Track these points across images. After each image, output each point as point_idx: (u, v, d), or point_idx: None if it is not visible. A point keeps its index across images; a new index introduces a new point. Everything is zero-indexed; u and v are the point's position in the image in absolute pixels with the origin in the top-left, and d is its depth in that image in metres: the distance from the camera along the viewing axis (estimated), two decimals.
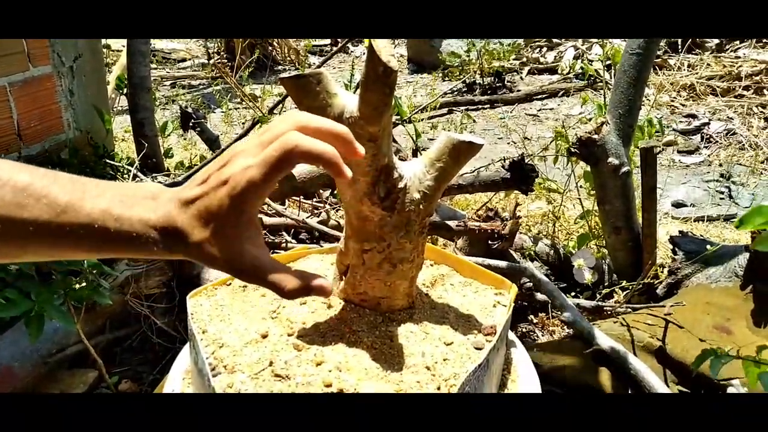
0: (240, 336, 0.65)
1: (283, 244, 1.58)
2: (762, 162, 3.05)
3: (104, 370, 1.25)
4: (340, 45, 2.45)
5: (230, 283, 0.78)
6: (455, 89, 4.41)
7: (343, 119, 0.57)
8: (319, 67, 2.03)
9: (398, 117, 2.07)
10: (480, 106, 4.13)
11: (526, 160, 1.44)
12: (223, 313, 0.71)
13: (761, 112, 3.57)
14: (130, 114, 2.13)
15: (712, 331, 1.25)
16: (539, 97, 4.25)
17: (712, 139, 3.35)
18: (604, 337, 1.23)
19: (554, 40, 5.18)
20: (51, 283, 1.06)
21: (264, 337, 0.65)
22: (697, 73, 4.10)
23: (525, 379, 0.74)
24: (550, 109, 4.05)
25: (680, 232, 1.58)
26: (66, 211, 0.43)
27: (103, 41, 3.28)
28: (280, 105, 2.17)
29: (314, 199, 1.86)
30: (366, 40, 0.66)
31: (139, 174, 1.84)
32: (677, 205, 2.65)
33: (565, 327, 1.57)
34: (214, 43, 5.33)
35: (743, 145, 3.25)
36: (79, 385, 1.29)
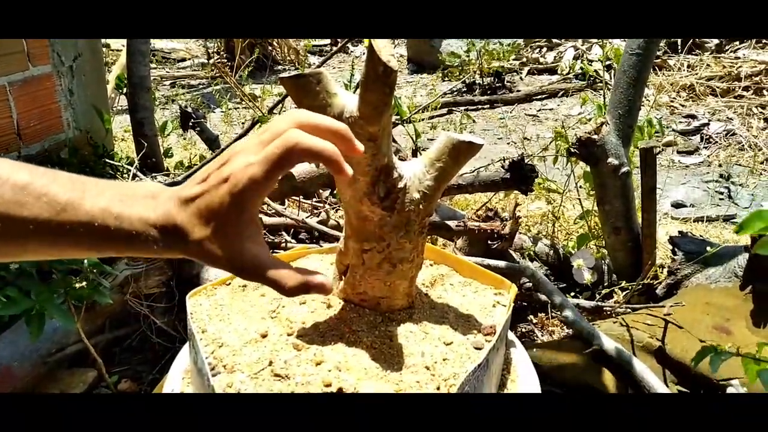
0: (239, 335, 0.65)
1: (283, 244, 1.58)
2: (761, 162, 3.05)
3: (104, 369, 1.25)
4: (340, 45, 2.45)
5: (230, 283, 0.78)
6: (455, 89, 4.41)
7: (342, 119, 0.57)
8: (318, 66, 2.03)
9: (398, 117, 2.07)
10: (480, 106, 4.13)
11: (526, 161, 1.44)
12: (222, 313, 0.70)
13: (761, 112, 3.57)
14: (130, 113, 2.13)
15: (711, 332, 1.25)
16: (539, 97, 4.26)
17: (711, 140, 3.35)
18: (609, 340, 1.23)
19: (554, 41, 5.19)
20: (51, 281, 1.06)
21: (263, 336, 0.65)
22: (696, 74, 4.10)
23: (524, 379, 0.74)
24: (550, 109, 4.05)
25: (680, 232, 1.58)
26: (66, 210, 0.43)
27: (103, 41, 3.28)
28: (280, 105, 2.17)
29: (314, 199, 1.86)
30: (366, 40, 0.66)
31: (138, 174, 1.84)
32: (677, 205, 2.65)
33: (565, 327, 1.57)
34: (214, 43, 5.33)
35: (743, 145, 3.25)
36: (79, 385, 1.29)
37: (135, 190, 0.46)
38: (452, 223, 1.52)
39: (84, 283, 1.08)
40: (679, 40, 4.49)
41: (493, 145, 3.40)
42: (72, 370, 1.32)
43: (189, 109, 2.22)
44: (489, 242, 1.49)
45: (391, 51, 0.54)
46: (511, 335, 0.82)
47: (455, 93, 4.38)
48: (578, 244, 1.74)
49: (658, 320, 1.33)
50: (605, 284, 1.66)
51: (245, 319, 0.69)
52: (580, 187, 1.92)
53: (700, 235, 1.72)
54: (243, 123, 3.46)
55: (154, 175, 2.01)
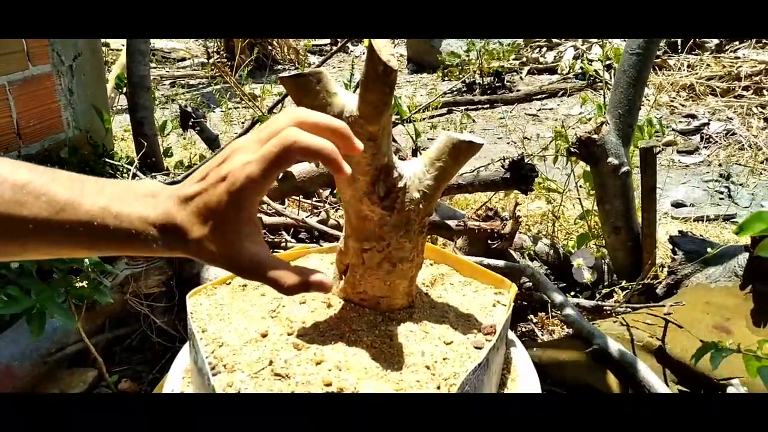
0: (240, 335, 0.65)
1: (283, 244, 1.58)
2: (761, 162, 3.05)
3: (104, 369, 1.25)
4: (339, 45, 2.45)
5: (230, 283, 0.78)
6: (455, 89, 4.41)
7: (342, 118, 0.57)
8: (318, 66, 2.03)
9: (398, 116, 2.07)
10: (480, 106, 4.13)
11: (526, 160, 1.44)
12: (222, 312, 0.70)
13: (761, 112, 3.57)
14: (130, 113, 2.13)
15: (711, 331, 1.25)
16: (539, 97, 4.26)
17: (711, 140, 3.35)
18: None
19: (554, 40, 5.19)
20: (52, 280, 1.06)
21: (264, 336, 0.65)
22: (696, 74, 4.10)
23: (525, 379, 0.74)
24: (550, 109, 4.05)
25: (680, 232, 1.58)
26: (65, 209, 0.43)
27: (103, 40, 3.28)
28: (280, 104, 2.17)
29: (314, 199, 1.86)
30: (366, 40, 0.66)
31: (138, 173, 1.84)
32: (677, 205, 2.65)
33: (565, 326, 1.57)
34: (214, 43, 5.33)
35: (743, 145, 3.25)
36: (79, 384, 1.29)
37: (135, 189, 0.46)
38: (452, 223, 1.52)
39: (85, 283, 1.08)
40: (679, 40, 4.49)
41: (493, 145, 3.40)
42: (72, 370, 1.32)
43: (189, 109, 2.21)
44: (489, 242, 1.49)
45: (391, 50, 0.54)
46: (511, 334, 0.82)
47: (455, 93, 4.38)
48: (578, 243, 1.74)
49: (658, 320, 1.33)
50: (605, 284, 1.66)
51: (245, 319, 0.69)
52: (580, 186, 1.92)
53: (700, 235, 1.72)
54: (243, 122, 3.46)
55: (154, 174, 2.01)
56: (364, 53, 1.76)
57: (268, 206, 1.63)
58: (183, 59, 5.55)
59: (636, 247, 1.58)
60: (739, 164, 3.06)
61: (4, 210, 0.42)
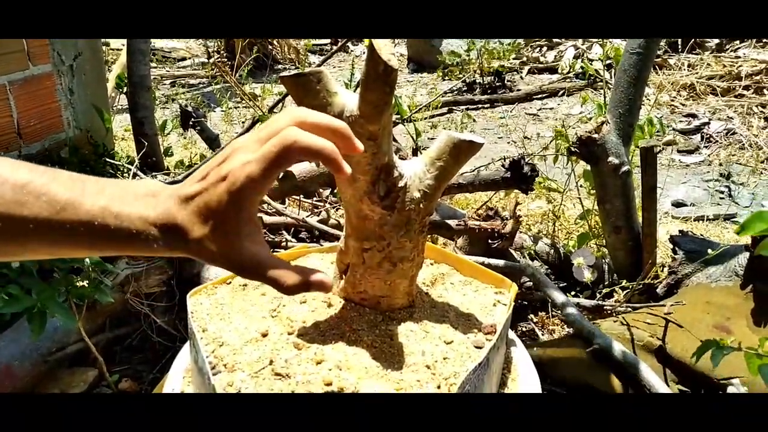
0: (240, 334, 0.65)
1: (283, 243, 1.58)
2: (762, 162, 3.05)
3: (104, 368, 1.25)
4: (340, 44, 2.45)
5: (230, 282, 0.78)
6: (455, 88, 4.41)
7: (343, 118, 0.57)
8: (319, 66, 2.03)
9: (398, 116, 2.07)
10: (480, 106, 4.13)
11: (526, 160, 1.44)
12: (223, 312, 0.71)
13: (761, 111, 3.57)
14: (130, 113, 2.13)
15: (712, 331, 1.25)
16: (539, 96, 4.25)
17: (712, 139, 3.35)
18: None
19: (554, 40, 5.18)
20: (53, 280, 1.06)
21: (264, 335, 0.65)
22: (697, 73, 4.10)
23: (525, 378, 0.74)
24: (550, 108, 4.05)
25: (680, 231, 1.58)
26: (66, 209, 0.43)
27: (103, 40, 3.28)
28: (280, 104, 2.17)
29: (314, 198, 1.86)
30: (366, 40, 0.66)
31: (139, 173, 1.84)
32: (677, 204, 2.65)
33: (565, 326, 1.57)
34: (214, 42, 5.33)
35: (743, 144, 3.25)
36: (79, 384, 1.29)
37: (135, 189, 0.46)
38: (453, 222, 1.52)
39: (85, 282, 1.08)
40: (680, 40, 4.48)
41: (494, 144, 3.40)
42: (72, 369, 1.32)
43: (189, 108, 2.21)
44: (489, 241, 1.49)
45: (392, 50, 0.54)
46: (511, 334, 0.82)
47: (455, 92, 4.38)
48: (579, 243, 1.74)
49: (658, 319, 1.33)
50: (606, 283, 1.66)
51: (246, 318, 0.69)
52: (581, 186, 1.91)
53: (701, 235, 1.72)
54: (243, 122, 3.46)
55: (154, 174, 2.01)
56: (364, 53, 1.76)
57: (268, 206, 1.64)
58: (183, 59, 5.55)
59: (636, 246, 1.58)
60: (740, 164, 3.06)
61: (5, 210, 0.42)
